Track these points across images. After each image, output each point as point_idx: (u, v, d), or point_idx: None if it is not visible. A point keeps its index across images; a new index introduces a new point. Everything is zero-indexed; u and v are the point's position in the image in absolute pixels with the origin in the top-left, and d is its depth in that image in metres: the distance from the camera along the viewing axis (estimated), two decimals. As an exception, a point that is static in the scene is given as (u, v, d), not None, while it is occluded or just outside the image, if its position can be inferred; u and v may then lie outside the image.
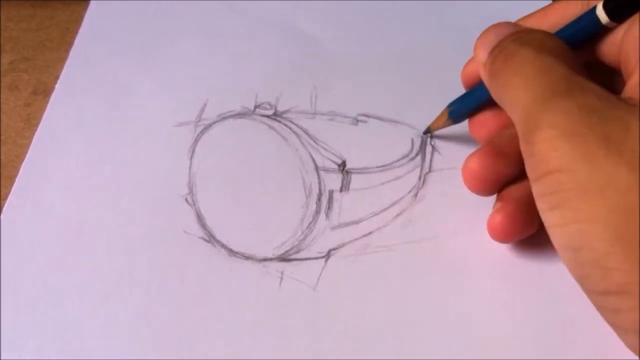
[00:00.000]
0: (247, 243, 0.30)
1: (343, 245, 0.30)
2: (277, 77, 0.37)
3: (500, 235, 0.29)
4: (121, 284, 0.29)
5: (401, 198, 0.32)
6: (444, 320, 0.28)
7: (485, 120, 0.31)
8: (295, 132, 0.34)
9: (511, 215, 0.28)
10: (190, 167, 0.33)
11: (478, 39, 0.29)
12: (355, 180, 0.33)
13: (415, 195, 0.32)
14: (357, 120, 0.35)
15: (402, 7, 0.42)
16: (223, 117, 0.35)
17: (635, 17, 0.26)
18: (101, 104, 0.36)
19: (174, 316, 0.28)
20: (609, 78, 0.28)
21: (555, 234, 0.23)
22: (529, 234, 0.29)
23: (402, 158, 0.34)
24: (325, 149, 0.34)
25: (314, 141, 0.34)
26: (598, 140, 0.21)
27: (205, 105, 0.36)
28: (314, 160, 0.33)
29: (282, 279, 0.29)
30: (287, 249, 0.30)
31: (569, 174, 0.22)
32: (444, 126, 0.33)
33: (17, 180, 0.33)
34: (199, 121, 0.35)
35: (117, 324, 0.28)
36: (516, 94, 0.25)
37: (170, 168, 0.33)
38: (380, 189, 0.32)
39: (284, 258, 0.30)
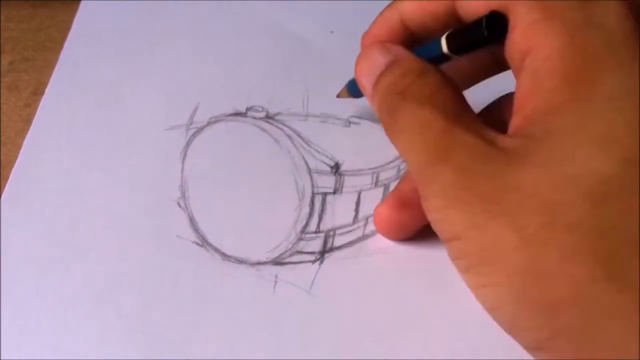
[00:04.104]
0: (240, 247, 0.30)
1: (337, 248, 0.30)
2: (269, 80, 0.37)
3: (385, 227, 0.30)
4: (114, 288, 0.29)
5: (394, 200, 0.32)
6: (439, 322, 0.28)
7: None
8: (287, 135, 0.34)
9: (396, 209, 0.29)
10: (182, 171, 0.33)
11: (357, 63, 0.28)
12: (349, 182, 0.32)
13: (409, 197, 0.32)
14: (350, 122, 0.35)
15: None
16: (215, 120, 0.35)
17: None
18: (92, 107, 0.36)
19: (167, 321, 0.28)
20: None
21: (474, 295, 0.22)
22: (414, 231, 0.30)
23: (395, 160, 0.33)
24: (318, 151, 0.33)
25: (307, 143, 0.34)
26: (480, 202, 0.21)
27: (196, 108, 0.36)
28: (306, 163, 0.33)
29: (276, 282, 0.29)
30: (281, 252, 0.30)
31: (465, 241, 0.21)
32: (347, 97, 0.33)
33: (7, 184, 0.32)
34: (190, 124, 0.35)
35: (110, 329, 0.28)
36: (405, 155, 0.24)
37: (162, 172, 0.33)
38: (374, 191, 0.32)
39: (277, 261, 0.30)
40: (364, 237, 0.31)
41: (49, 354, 0.27)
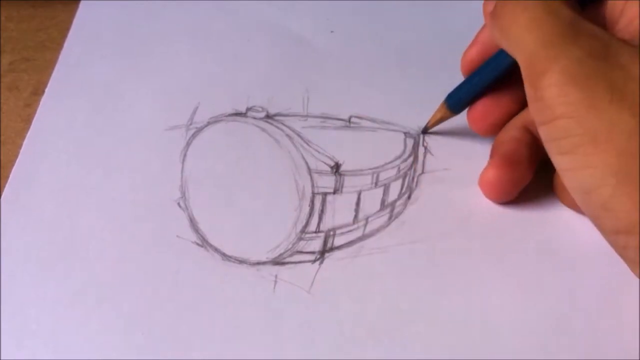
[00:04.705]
0: (240, 247, 0.30)
1: (337, 247, 0.30)
2: (269, 80, 0.37)
3: (494, 188, 0.30)
4: (114, 288, 0.29)
5: (394, 200, 0.32)
6: (438, 321, 0.28)
7: (485, 111, 0.31)
8: (287, 135, 0.34)
9: (503, 168, 0.30)
10: (182, 171, 0.33)
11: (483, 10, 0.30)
12: (349, 182, 0.32)
13: (409, 196, 0.32)
14: (350, 122, 0.35)
15: (395, 8, 0.42)
16: (215, 120, 0.35)
17: None
18: (91, 108, 0.36)
19: (167, 321, 0.28)
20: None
21: (566, 177, 0.24)
22: (523, 185, 0.30)
23: (395, 160, 0.33)
24: (318, 151, 0.33)
25: (307, 143, 0.34)
26: (604, 87, 0.22)
27: (196, 108, 0.36)
28: (306, 163, 0.33)
29: (276, 282, 0.29)
30: (281, 252, 0.30)
31: (576, 121, 0.22)
32: (443, 119, 0.33)
33: (7, 184, 0.32)
34: (190, 124, 0.35)
35: (110, 329, 0.28)
36: (522, 35, 0.25)
37: (162, 172, 0.33)
38: (374, 191, 0.32)
39: (277, 261, 0.30)
40: (364, 237, 0.31)
41: (49, 354, 0.27)
